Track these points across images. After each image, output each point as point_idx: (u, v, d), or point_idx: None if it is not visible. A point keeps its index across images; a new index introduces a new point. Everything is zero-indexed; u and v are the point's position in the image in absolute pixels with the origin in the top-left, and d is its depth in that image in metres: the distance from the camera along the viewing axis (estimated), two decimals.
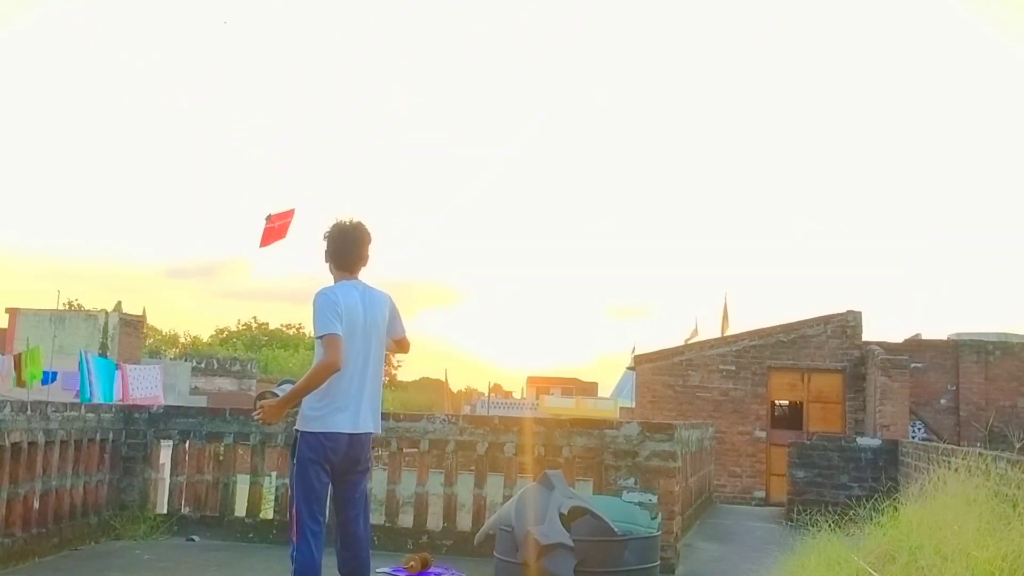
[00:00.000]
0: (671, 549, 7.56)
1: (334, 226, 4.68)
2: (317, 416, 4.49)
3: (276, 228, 10.07)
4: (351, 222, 4.69)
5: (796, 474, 12.67)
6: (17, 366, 18.74)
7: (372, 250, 4.74)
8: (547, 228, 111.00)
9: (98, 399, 17.71)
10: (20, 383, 18.53)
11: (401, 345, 4.90)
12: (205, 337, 62.23)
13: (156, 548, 7.59)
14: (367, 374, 4.57)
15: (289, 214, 10.10)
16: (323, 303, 4.47)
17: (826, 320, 19.97)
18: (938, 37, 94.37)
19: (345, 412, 4.49)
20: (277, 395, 4.67)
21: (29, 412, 6.83)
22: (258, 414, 4.62)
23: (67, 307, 42.16)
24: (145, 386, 21.23)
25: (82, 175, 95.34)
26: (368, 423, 4.59)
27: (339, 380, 4.43)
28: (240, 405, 20.37)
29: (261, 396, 4.80)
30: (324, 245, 4.71)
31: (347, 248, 4.66)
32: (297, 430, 4.57)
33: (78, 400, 15.03)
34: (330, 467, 4.52)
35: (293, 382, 4.67)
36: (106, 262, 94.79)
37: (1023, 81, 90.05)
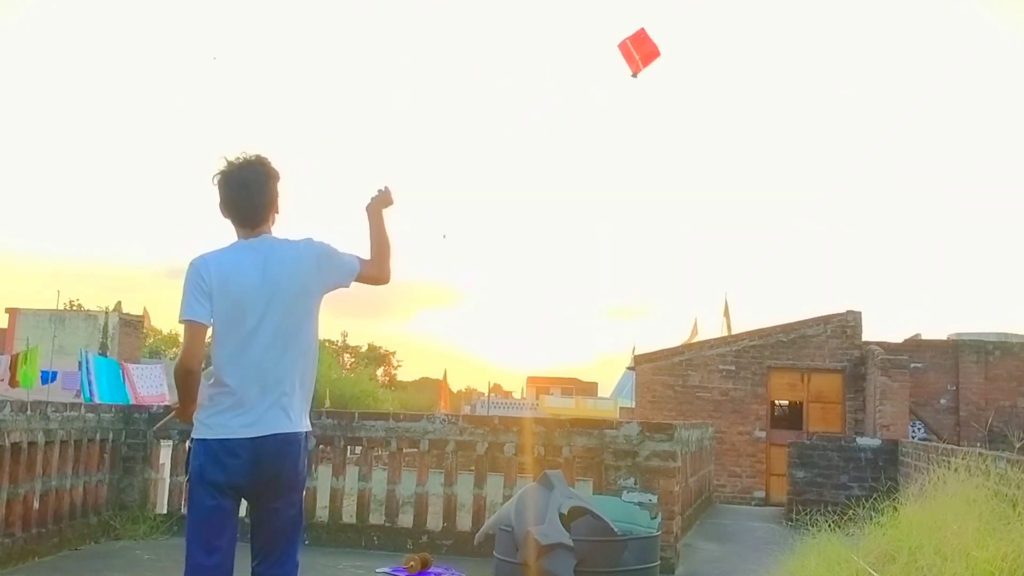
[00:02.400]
0: (671, 549, 7.56)
1: (218, 169, 3.58)
2: (202, 419, 3.48)
3: (643, 53, 9.18)
4: (240, 160, 3.57)
5: (796, 474, 12.67)
6: (13, 366, 18.75)
7: (281, 191, 3.65)
8: (547, 228, 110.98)
9: (98, 399, 17.70)
10: (14, 383, 18.53)
11: (370, 275, 3.68)
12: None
13: (156, 548, 7.59)
14: (268, 359, 3.44)
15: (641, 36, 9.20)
16: (187, 278, 3.47)
17: (826, 320, 19.96)
18: (937, 36, 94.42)
19: (238, 410, 3.41)
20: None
21: (29, 412, 6.83)
22: (172, 415, 3.99)
23: (67, 307, 42.14)
24: (151, 384, 21.25)
25: (82, 175, 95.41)
26: (279, 422, 3.44)
27: (224, 371, 3.44)
28: None
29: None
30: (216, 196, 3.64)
31: (235, 196, 3.55)
32: (191, 438, 3.55)
33: (79, 400, 15.03)
34: (232, 485, 3.43)
35: None
36: (106, 262, 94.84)
37: (1023, 80, 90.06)
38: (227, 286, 3.45)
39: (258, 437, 3.41)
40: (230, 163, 3.57)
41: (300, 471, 3.53)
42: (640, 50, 9.44)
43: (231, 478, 3.43)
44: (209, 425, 3.46)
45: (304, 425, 3.56)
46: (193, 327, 3.42)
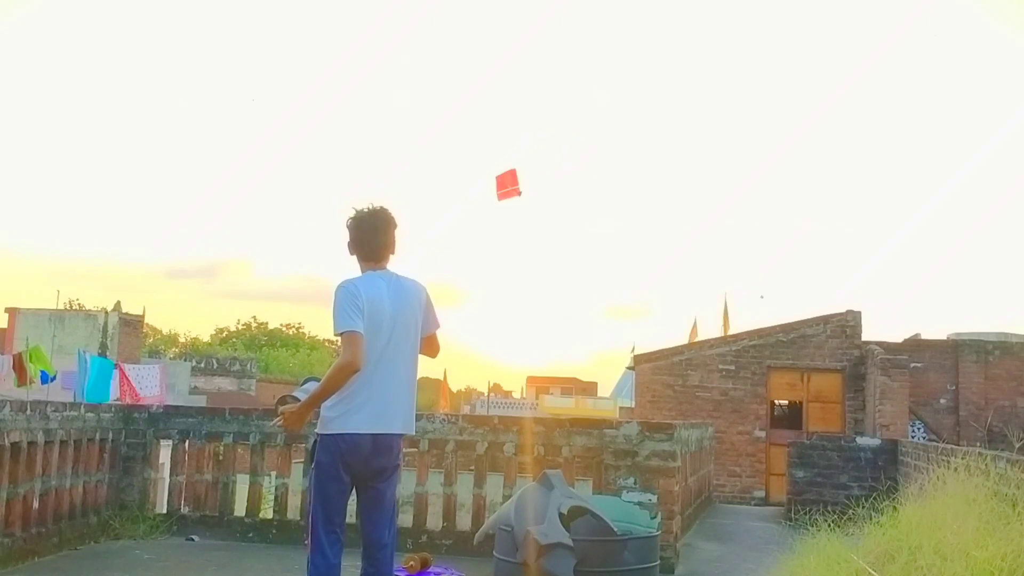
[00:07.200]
0: (671, 549, 7.56)
1: (352, 215, 4.39)
2: (335, 417, 4.18)
3: (509, 189, 10.90)
4: (369, 208, 4.37)
5: (796, 474, 12.67)
6: (19, 364, 18.67)
7: (399, 236, 4.43)
8: (547, 228, 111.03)
9: (89, 399, 17.69)
10: (27, 380, 18.42)
11: (429, 344, 4.50)
12: (205, 337, 62.28)
13: (156, 548, 7.59)
14: (394, 371, 4.24)
15: (512, 175, 10.90)
16: (342, 297, 4.17)
17: (826, 320, 19.96)
18: (937, 35, 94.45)
19: (366, 411, 4.17)
20: (298, 398, 4.35)
21: (29, 412, 6.83)
22: (279, 421, 4.35)
23: (67, 307, 42.11)
24: (149, 385, 21.28)
25: (82, 175, 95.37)
26: (395, 424, 4.27)
27: (361, 377, 4.13)
28: (240, 405, 20.48)
29: (282, 401, 4.44)
30: (347, 236, 4.44)
31: (366, 237, 4.35)
32: (316, 434, 4.28)
33: (78, 400, 15.03)
34: (351, 472, 4.21)
35: (317, 379, 4.37)
36: (106, 262, 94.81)
37: (1023, 80, 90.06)
38: (373, 307, 4.18)
39: (378, 434, 4.20)
40: (359, 211, 4.37)
41: (401, 461, 4.43)
42: (507, 186, 11.47)
43: (355, 466, 4.19)
44: (340, 423, 4.17)
45: (408, 428, 4.36)
46: (355, 336, 4.09)
